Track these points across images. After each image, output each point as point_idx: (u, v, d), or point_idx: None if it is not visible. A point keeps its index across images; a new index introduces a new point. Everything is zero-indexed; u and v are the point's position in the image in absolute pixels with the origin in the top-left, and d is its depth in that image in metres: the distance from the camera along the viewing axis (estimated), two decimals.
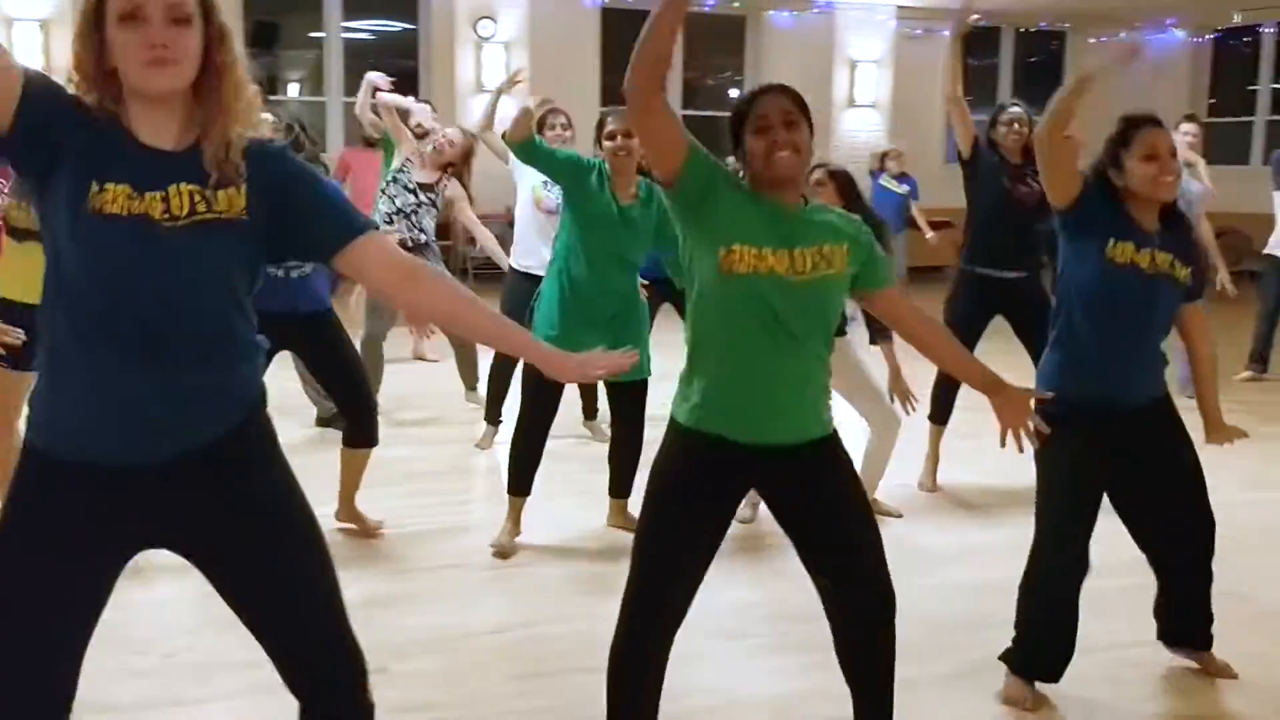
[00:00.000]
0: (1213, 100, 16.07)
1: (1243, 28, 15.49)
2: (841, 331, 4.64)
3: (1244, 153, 15.39)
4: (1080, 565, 3.23)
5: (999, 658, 3.39)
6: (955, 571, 4.41)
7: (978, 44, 16.12)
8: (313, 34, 14.10)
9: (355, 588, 4.33)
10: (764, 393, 2.54)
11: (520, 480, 4.52)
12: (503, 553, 4.47)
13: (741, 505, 4.74)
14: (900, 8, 14.73)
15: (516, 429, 4.54)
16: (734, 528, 2.99)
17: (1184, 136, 7.41)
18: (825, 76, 14.55)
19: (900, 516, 5.00)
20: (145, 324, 1.94)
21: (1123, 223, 3.18)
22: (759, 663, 3.61)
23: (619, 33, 14.20)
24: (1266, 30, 15.24)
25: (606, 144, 4.37)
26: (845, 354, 4.66)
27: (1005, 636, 3.38)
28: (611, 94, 14.24)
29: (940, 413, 5.51)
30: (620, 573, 2.71)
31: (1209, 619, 3.45)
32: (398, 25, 13.99)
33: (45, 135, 1.91)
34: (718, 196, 2.55)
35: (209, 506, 2.05)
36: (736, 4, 14.41)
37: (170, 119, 1.99)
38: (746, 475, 2.67)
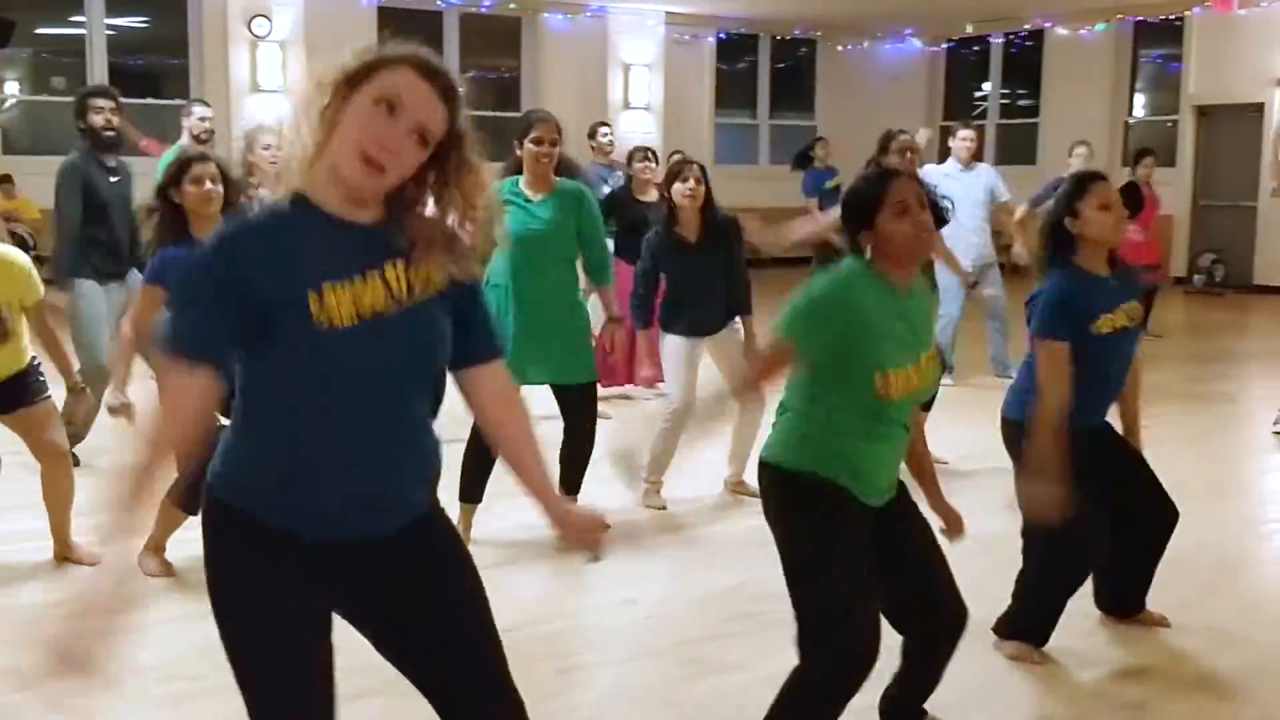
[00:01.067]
0: (946, 104, 17.36)
1: (974, 38, 16.80)
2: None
3: (976, 154, 16.68)
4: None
5: (993, 628, 3.71)
6: None
7: (737, 50, 16.84)
8: (41, 30, 13.29)
9: None
10: None
11: (473, 489, 4.55)
12: None
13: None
14: (669, 13, 15.21)
15: (472, 436, 4.55)
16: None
17: (962, 142, 8.16)
18: (601, 79, 14.86)
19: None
20: (379, 409, 1.92)
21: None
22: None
23: (396, 31, 13.97)
24: (995, 40, 16.59)
25: (532, 147, 4.48)
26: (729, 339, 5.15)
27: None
28: None
29: None
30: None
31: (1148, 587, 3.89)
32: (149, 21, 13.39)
33: (247, 314, 1.85)
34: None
35: (412, 577, 2.04)
36: (513, 5, 14.51)
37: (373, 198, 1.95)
38: None
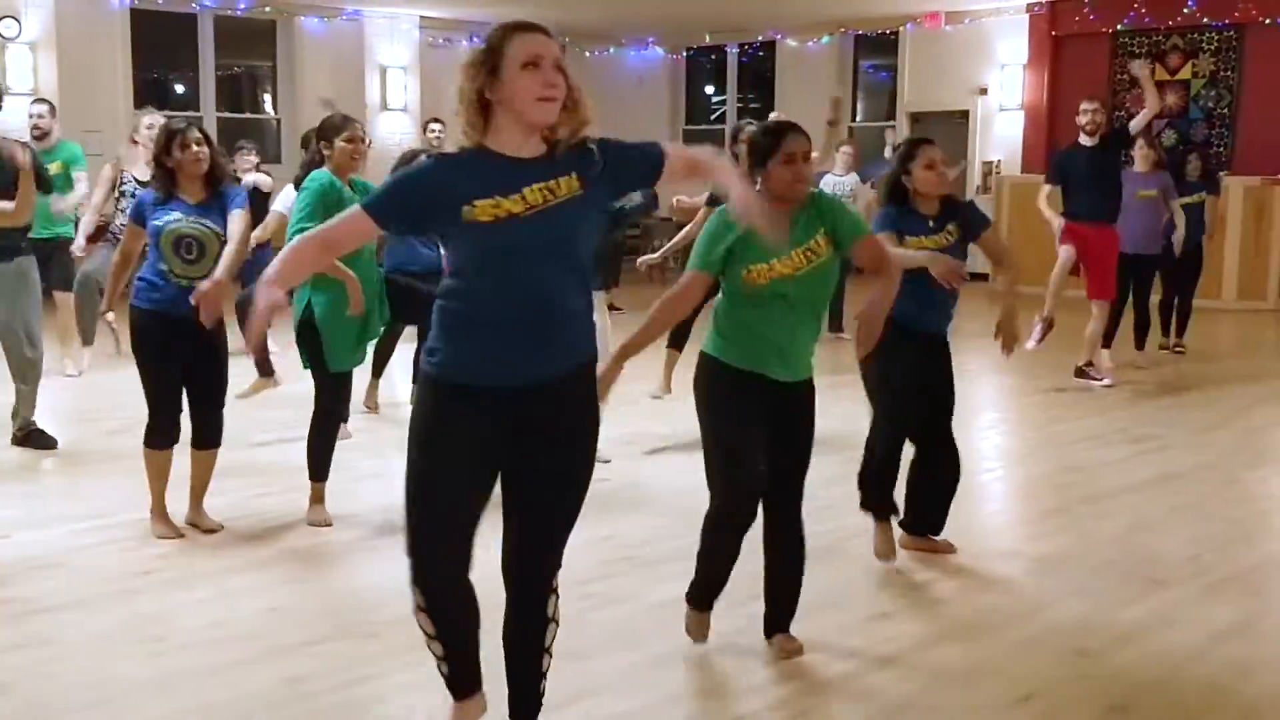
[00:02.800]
0: (687, 108, 18.43)
1: (711, 46, 17.91)
2: None
3: None
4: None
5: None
6: None
7: None
8: None
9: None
10: None
11: (320, 468, 5.02)
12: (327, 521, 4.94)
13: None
14: (423, 18, 15.56)
15: (315, 419, 4.97)
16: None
17: (845, 154, 9.91)
18: (358, 81, 15.07)
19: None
20: (526, 285, 2.68)
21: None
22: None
23: (148, 34, 13.84)
24: (731, 50, 17.74)
25: (345, 145, 4.97)
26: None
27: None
28: (142, 95, 13.83)
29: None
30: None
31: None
32: None
33: (418, 217, 2.78)
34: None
35: (556, 422, 2.78)
36: (268, 8, 14.52)
37: (532, 137, 2.69)
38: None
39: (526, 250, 2.66)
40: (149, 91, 14.13)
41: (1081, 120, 8.13)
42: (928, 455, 4.58)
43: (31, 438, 6.18)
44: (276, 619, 3.96)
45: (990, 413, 7.75)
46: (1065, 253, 8.14)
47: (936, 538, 4.69)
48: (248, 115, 15.29)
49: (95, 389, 7.79)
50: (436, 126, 10.54)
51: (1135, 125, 8.41)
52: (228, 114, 14.75)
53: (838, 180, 10.37)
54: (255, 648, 3.71)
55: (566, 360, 2.77)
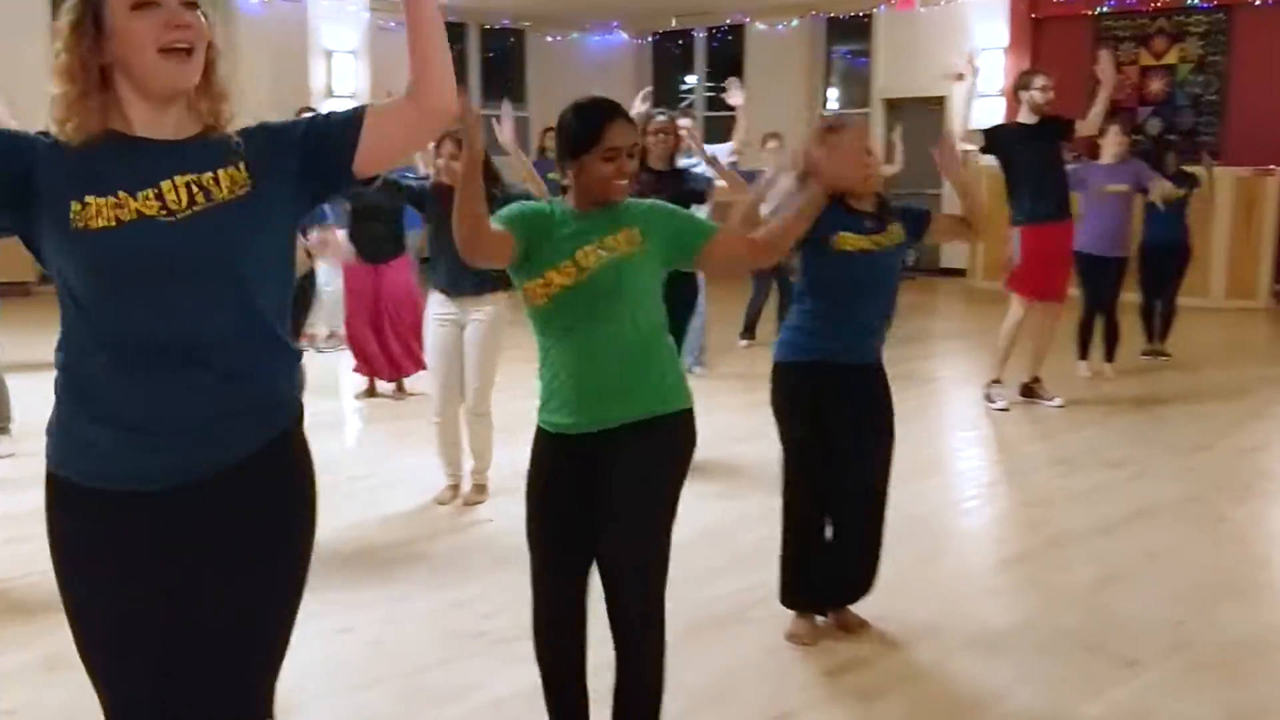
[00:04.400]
0: (654, 96, 17.62)
1: (678, 31, 17.13)
2: None
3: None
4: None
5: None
6: None
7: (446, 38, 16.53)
8: None
9: None
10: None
11: None
12: None
13: None
14: (372, 0, 14.76)
15: None
16: None
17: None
18: (301, 66, 14.30)
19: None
20: (164, 331, 1.87)
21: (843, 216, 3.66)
22: None
23: None
24: (698, 34, 16.97)
25: None
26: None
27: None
28: None
29: None
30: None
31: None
32: None
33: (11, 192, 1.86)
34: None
35: (220, 531, 1.95)
36: None
37: (172, 107, 1.93)
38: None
39: (169, 273, 1.87)
40: None
41: (1040, 98, 7.05)
42: (843, 510, 3.81)
43: None
44: None
45: (958, 432, 7.01)
46: (1018, 309, 7.28)
47: (851, 609, 3.92)
48: None
49: None
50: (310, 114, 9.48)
51: (1089, 125, 7.24)
52: None
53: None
54: None
55: (241, 441, 1.96)
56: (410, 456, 5.87)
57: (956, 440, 6.84)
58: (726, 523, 4.95)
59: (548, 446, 2.86)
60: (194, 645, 1.96)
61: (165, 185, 1.88)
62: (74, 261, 1.86)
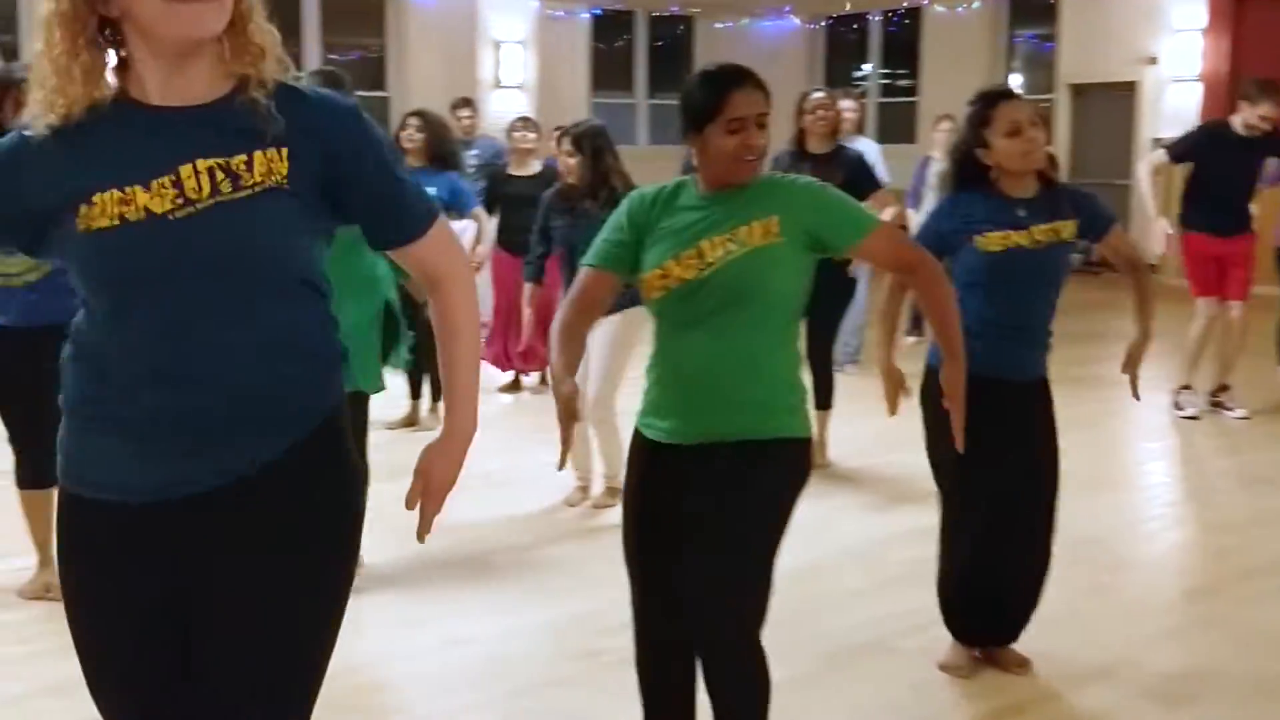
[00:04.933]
0: (827, 83, 17.17)
1: (852, 15, 16.62)
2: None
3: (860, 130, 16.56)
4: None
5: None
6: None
7: (613, 27, 16.43)
8: None
9: None
10: None
11: None
12: None
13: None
14: None
15: None
16: None
17: (845, 112, 7.73)
18: (470, 57, 14.33)
19: None
20: (185, 339, 1.64)
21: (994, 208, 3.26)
22: None
23: None
24: (874, 19, 16.43)
25: None
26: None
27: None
28: None
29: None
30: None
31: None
32: None
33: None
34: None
35: (237, 545, 1.71)
36: None
37: (195, 63, 1.63)
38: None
39: (178, 278, 1.62)
40: None
41: (1258, 123, 6.25)
42: (1007, 542, 3.37)
43: None
44: None
45: (1142, 443, 6.45)
46: (1203, 310, 6.64)
47: (1012, 647, 3.49)
48: (358, 95, 14.65)
49: None
50: (466, 112, 9.16)
51: None
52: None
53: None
54: None
55: (255, 450, 1.70)
56: (546, 454, 5.66)
57: (1139, 452, 6.30)
58: (874, 541, 4.59)
59: (646, 454, 2.60)
60: (209, 671, 1.72)
61: (185, 171, 1.60)
62: (74, 265, 1.64)
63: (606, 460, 4.95)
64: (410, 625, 3.78)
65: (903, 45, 16.39)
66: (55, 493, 3.47)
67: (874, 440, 5.61)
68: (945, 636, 3.46)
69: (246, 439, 1.69)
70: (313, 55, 13.90)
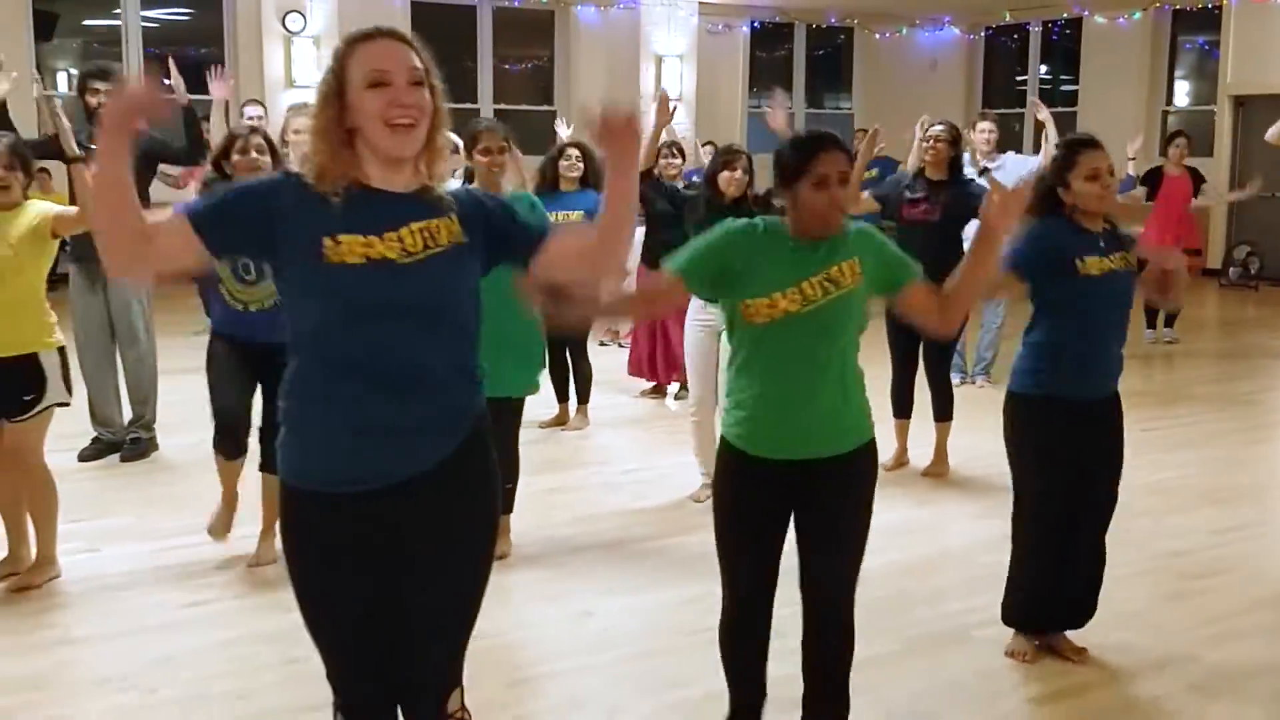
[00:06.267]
0: (985, 93, 17.23)
1: (1012, 25, 16.66)
2: None
3: (1015, 143, 16.54)
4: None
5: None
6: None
7: (772, 38, 16.82)
8: (88, 21, 13.61)
9: None
10: None
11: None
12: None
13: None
14: (702, 3, 15.22)
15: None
16: None
17: (983, 134, 7.99)
18: (633, 70, 14.91)
19: None
20: (394, 356, 2.23)
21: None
22: None
23: (428, 26, 14.19)
24: (1033, 28, 16.43)
25: (481, 158, 4.64)
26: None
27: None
28: None
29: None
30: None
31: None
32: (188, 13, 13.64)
33: (249, 230, 2.22)
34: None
35: (421, 522, 2.32)
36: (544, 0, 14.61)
37: (403, 166, 2.27)
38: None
39: (397, 308, 2.22)
40: None
41: None
42: (1077, 543, 3.77)
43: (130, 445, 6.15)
44: None
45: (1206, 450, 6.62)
46: None
47: (1068, 636, 3.90)
48: (526, 107, 15.43)
49: None
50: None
51: None
52: (506, 106, 14.93)
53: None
54: None
55: (435, 449, 2.31)
56: (679, 455, 6.19)
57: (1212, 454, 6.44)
58: (971, 544, 4.97)
59: (740, 466, 2.99)
60: (407, 621, 2.37)
61: (404, 231, 2.23)
62: (320, 289, 2.20)
63: (705, 460, 5.40)
64: (546, 599, 4.36)
65: (1063, 55, 16.34)
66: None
67: (990, 451, 5.95)
68: (1006, 632, 3.89)
69: (431, 440, 2.29)
70: (485, 65, 14.72)
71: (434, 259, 2.24)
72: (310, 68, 12.96)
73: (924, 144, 5.92)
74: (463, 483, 2.35)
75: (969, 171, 6.41)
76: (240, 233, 2.23)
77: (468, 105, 14.53)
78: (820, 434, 2.92)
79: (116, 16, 13.20)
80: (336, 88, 2.22)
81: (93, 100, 5.88)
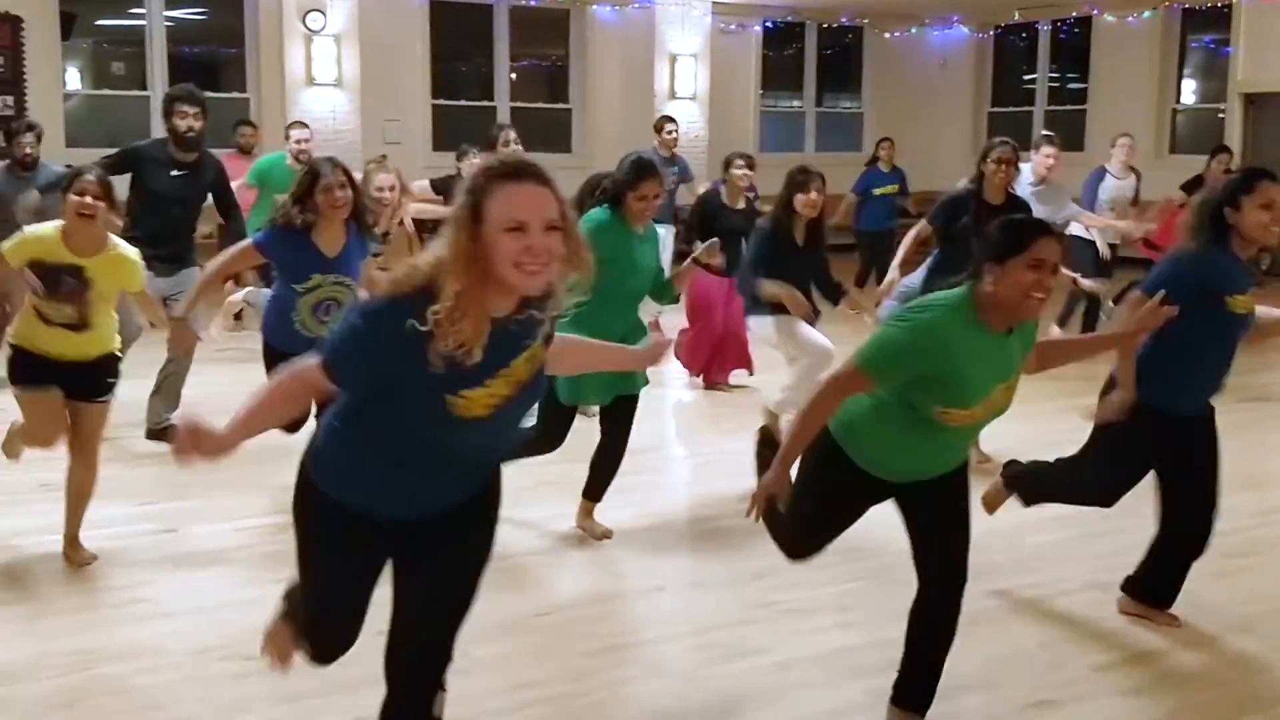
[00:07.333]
0: (994, 91, 17.40)
1: (1021, 24, 16.81)
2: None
3: (1024, 140, 16.67)
4: None
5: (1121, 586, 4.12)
6: None
7: (784, 38, 16.97)
8: (101, 21, 13.73)
9: None
10: None
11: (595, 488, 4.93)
12: None
13: None
14: (716, 3, 15.35)
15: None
16: None
17: (1045, 159, 7.91)
18: (647, 69, 15.04)
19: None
20: (474, 456, 2.50)
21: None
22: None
23: (446, 24, 14.34)
24: (1043, 28, 16.58)
25: (637, 204, 4.56)
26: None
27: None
28: (440, 88, 14.37)
29: None
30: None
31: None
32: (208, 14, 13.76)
33: (377, 378, 2.31)
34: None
35: (440, 532, 2.57)
36: None
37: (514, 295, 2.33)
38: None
39: (500, 424, 2.42)
40: (447, 82, 14.67)
41: None
42: (1180, 520, 3.99)
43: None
44: None
45: None
46: None
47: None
48: (541, 105, 15.56)
49: None
50: (673, 126, 10.07)
51: None
52: (522, 104, 15.05)
53: (1119, 183, 8.95)
54: None
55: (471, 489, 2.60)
56: (740, 443, 6.25)
57: None
58: (1017, 525, 5.04)
59: (853, 477, 3.20)
60: (415, 606, 2.62)
61: (516, 363, 2.35)
62: (436, 427, 2.34)
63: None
64: (618, 577, 4.54)
65: (1073, 54, 16.50)
66: None
67: (1034, 439, 6.11)
68: (1066, 605, 4.14)
69: (470, 489, 2.56)
70: (502, 63, 14.85)
71: (529, 382, 2.41)
72: (330, 66, 13.09)
73: (992, 165, 5.71)
74: (482, 509, 2.62)
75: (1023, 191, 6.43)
76: (368, 379, 2.34)
77: (484, 103, 14.68)
78: (940, 471, 3.18)
79: (132, 16, 13.32)
80: (473, 217, 2.22)
81: (181, 124, 5.95)
